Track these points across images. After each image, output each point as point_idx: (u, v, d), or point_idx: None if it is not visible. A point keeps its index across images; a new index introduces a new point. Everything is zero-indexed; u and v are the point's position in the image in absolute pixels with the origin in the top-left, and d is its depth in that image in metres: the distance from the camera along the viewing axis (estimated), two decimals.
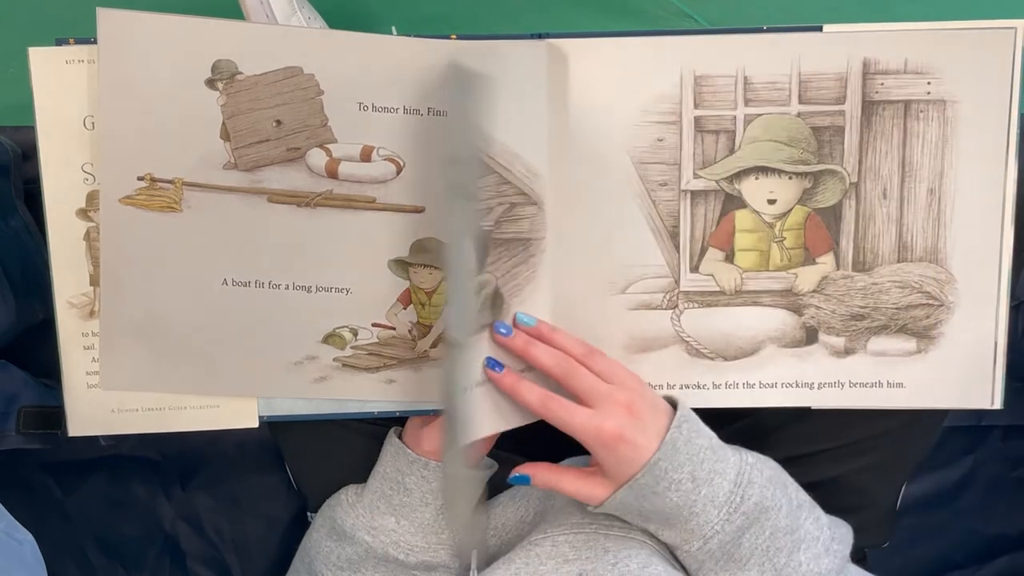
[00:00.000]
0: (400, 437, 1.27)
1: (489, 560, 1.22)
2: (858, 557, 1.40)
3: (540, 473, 1.18)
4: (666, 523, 1.14)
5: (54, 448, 1.35)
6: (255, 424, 1.24)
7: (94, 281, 1.20)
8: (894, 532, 1.36)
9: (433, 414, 1.24)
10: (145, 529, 1.59)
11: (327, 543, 1.27)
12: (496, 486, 1.36)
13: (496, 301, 1.18)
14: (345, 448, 1.32)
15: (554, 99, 1.17)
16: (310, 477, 1.39)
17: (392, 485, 1.24)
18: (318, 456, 1.34)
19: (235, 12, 1.37)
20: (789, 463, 1.32)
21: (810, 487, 1.32)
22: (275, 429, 1.31)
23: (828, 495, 1.32)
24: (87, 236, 1.19)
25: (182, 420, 1.23)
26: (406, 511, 1.24)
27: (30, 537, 1.05)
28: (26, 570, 1.02)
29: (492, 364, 1.16)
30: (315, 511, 1.33)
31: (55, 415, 1.33)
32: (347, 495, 1.28)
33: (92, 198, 1.18)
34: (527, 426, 1.44)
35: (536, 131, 1.16)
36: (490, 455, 1.31)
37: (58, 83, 1.16)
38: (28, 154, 1.40)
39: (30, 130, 1.20)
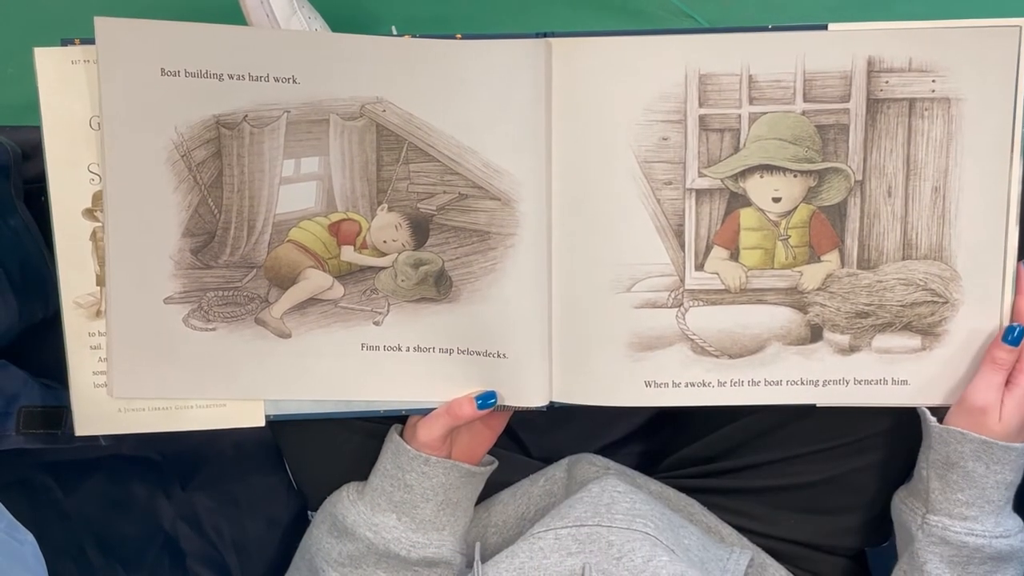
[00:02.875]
0: (400, 435, 1.26)
1: (490, 557, 1.23)
2: (856, 556, 1.40)
3: None
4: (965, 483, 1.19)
5: (54, 448, 1.35)
6: (262, 423, 1.24)
7: (100, 281, 1.20)
8: (893, 531, 1.37)
9: None
10: (145, 529, 1.58)
11: (328, 540, 1.27)
12: (497, 484, 1.36)
13: (441, 282, 1.21)
14: (345, 446, 1.32)
15: (556, 99, 1.17)
16: (310, 475, 1.39)
17: (393, 482, 1.25)
18: (318, 454, 1.35)
19: (235, 11, 1.37)
20: (789, 462, 1.33)
21: (810, 486, 1.33)
22: (275, 428, 1.31)
23: (827, 494, 1.33)
24: (93, 236, 1.19)
25: (188, 419, 1.24)
26: (407, 508, 1.24)
27: (31, 537, 1.05)
28: (27, 570, 1.02)
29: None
30: (315, 510, 1.33)
31: (55, 415, 1.33)
32: (348, 492, 1.29)
33: (98, 198, 1.18)
34: (525, 425, 1.45)
35: (516, 130, 1.18)
36: (491, 452, 1.31)
37: (64, 83, 1.16)
38: (28, 154, 1.40)
39: (30, 130, 1.20)
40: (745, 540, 1.34)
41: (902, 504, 1.25)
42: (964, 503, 1.18)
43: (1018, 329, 1.18)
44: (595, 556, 1.17)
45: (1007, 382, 1.18)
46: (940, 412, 1.22)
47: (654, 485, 1.37)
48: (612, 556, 1.17)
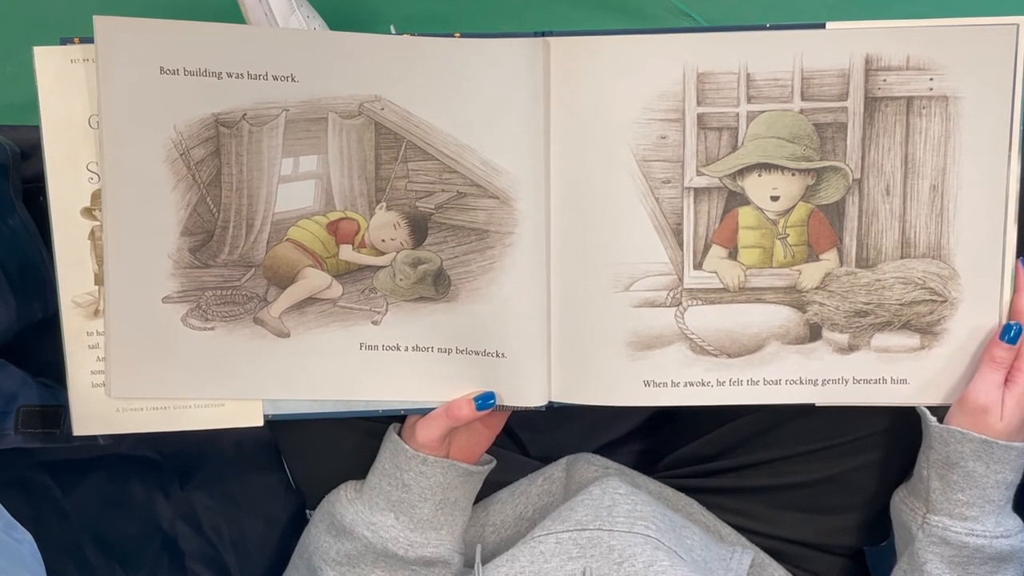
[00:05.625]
0: (399, 434, 1.27)
1: (488, 556, 1.23)
2: (855, 555, 1.40)
3: None
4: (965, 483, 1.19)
5: (52, 447, 1.35)
6: (260, 423, 1.24)
7: (99, 280, 1.20)
8: (891, 530, 1.37)
9: None
10: (143, 528, 1.58)
11: (326, 539, 1.27)
12: (496, 483, 1.36)
13: (440, 281, 1.21)
14: (343, 445, 1.32)
15: (555, 97, 1.17)
16: (308, 474, 1.39)
17: (391, 481, 1.25)
18: (316, 453, 1.35)
19: (234, 10, 1.37)
20: (788, 461, 1.33)
21: (808, 485, 1.33)
22: (274, 427, 1.31)
23: (826, 493, 1.33)
24: (92, 235, 1.19)
25: (187, 418, 1.24)
26: (405, 507, 1.24)
27: (29, 536, 1.05)
28: (25, 569, 1.02)
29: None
30: (313, 508, 1.33)
31: (54, 414, 1.33)
32: (346, 491, 1.29)
33: (97, 197, 1.18)
34: (524, 424, 1.45)
35: (514, 129, 1.18)
36: (489, 451, 1.31)
37: (62, 82, 1.16)
38: (26, 153, 1.40)
39: (28, 129, 1.20)
40: (744, 539, 1.34)
41: (902, 504, 1.25)
42: (965, 503, 1.18)
43: (1015, 327, 1.18)
44: (596, 561, 1.17)
45: (1007, 380, 1.18)
46: (940, 411, 1.22)
47: (653, 485, 1.37)
48: (613, 561, 1.17)
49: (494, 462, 1.31)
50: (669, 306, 1.21)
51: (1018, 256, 1.19)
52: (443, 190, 1.19)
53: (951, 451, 1.18)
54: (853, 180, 1.18)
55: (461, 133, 1.17)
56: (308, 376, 1.24)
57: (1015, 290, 1.19)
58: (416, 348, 1.23)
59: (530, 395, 1.24)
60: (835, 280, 1.21)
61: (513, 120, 1.17)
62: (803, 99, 1.17)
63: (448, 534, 1.27)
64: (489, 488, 1.35)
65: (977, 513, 1.18)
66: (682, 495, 1.37)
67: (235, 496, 1.60)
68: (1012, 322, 1.18)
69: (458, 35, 1.15)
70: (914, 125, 1.17)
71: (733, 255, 1.21)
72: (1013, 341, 1.18)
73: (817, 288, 1.21)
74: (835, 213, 1.19)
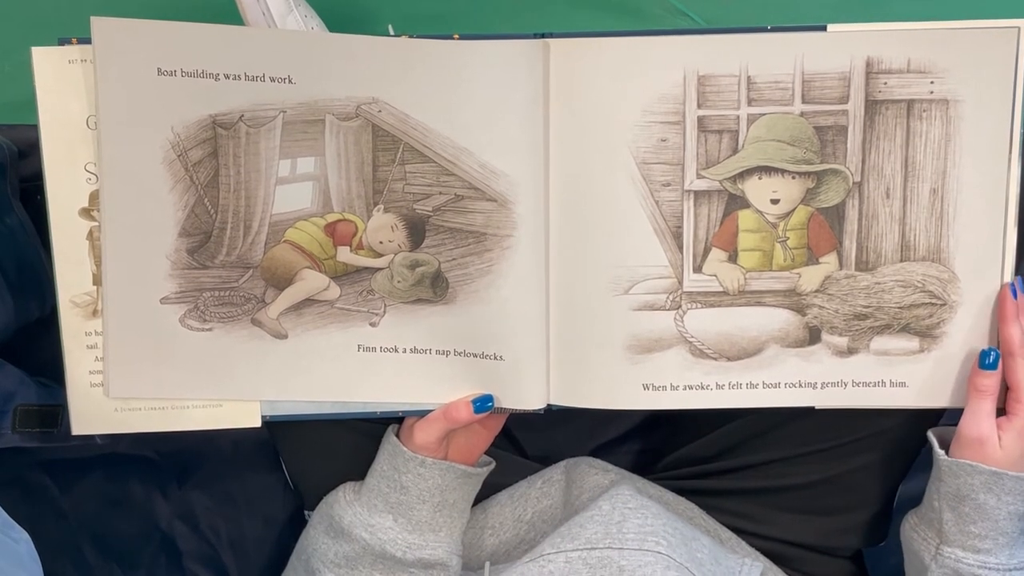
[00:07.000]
0: (397, 436, 1.26)
1: (486, 558, 1.22)
2: (854, 557, 1.40)
3: None
4: (978, 515, 1.18)
5: (50, 446, 1.35)
6: (258, 424, 1.24)
7: (97, 281, 1.20)
8: (889, 531, 1.37)
9: None
10: (141, 528, 1.58)
11: (324, 540, 1.27)
12: (494, 485, 1.36)
13: (437, 283, 1.21)
14: (342, 446, 1.32)
15: (554, 100, 1.17)
16: (307, 475, 1.38)
17: (389, 483, 1.24)
18: (315, 454, 1.34)
19: (232, 11, 1.37)
20: (786, 462, 1.33)
21: (807, 486, 1.33)
22: (272, 427, 1.30)
23: (825, 494, 1.33)
24: (90, 235, 1.19)
25: (185, 419, 1.24)
26: (403, 509, 1.24)
27: (26, 535, 1.05)
28: (22, 569, 1.02)
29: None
30: (312, 509, 1.33)
31: (51, 413, 1.33)
32: (344, 493, 1.28)
33: (95, 197, 1.18)
34: (521, 424, 1.45)
35: (513, 132, 1.17)
36: (488, 453, 1.31)
37: (61, 83, 1.16)
38: (24, 152, 1.40)
39: (26, 128, 1.19)
40: (744, 544, 1.34)
41: (913, 532, 1.24)
42: (978, 535, 1.17)
43: (993, 353, 1.17)
44: None
45: (1007, 413, 1.17)
46: (937, 415, 1.22)
47: (653, 489, 1.37)
48: None
49: (493, 463, 1.31)
50: (668, 309, 1.21)
51: (1018, 258, 1.19)
52: (441, 193, 1.18)
53: (961, 484, 1.17)
54: (853, 183, 1.18)
55: (459, 136, 1.17)
56: (306, 377, 1.24)
57: (1000, 320, 1.19)
58: (414, 350, 1.23)
59: (529, 398, 1.23)
60: (834, 283, 1.20)
61: (512, 122, 1.17)
62: (804, 102, 1.17)
63: (447, 536, 1.27)
64: (486, 489, 1.35)
65: (991, 546, 1.17)
66: (682, 499, 1.37)
67: (233, 496, 1.61)
68: (989, 348, 1.18)
69: (457, 36, 1.15)
70: (914, 128, 1.17)
71: (733, 258, 1.21)
72: (993, 367, 1.17)
73: (816, 291, 1.20)
74: (835, 216, 1.19)
